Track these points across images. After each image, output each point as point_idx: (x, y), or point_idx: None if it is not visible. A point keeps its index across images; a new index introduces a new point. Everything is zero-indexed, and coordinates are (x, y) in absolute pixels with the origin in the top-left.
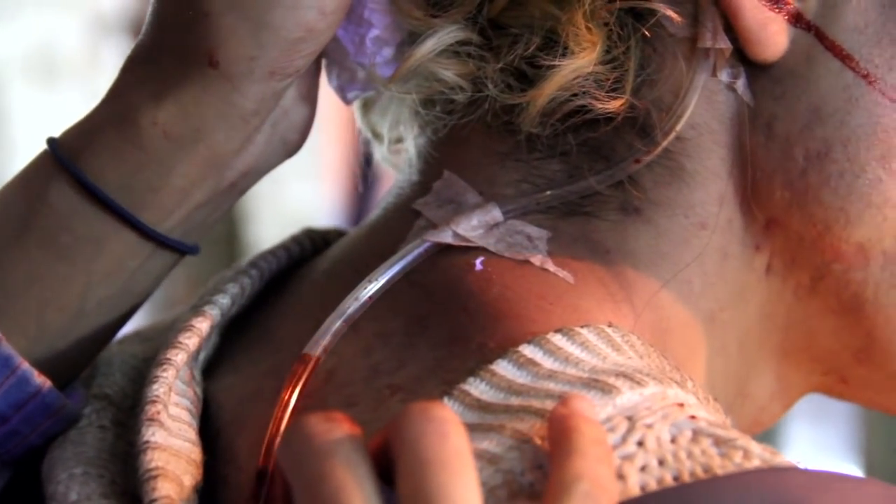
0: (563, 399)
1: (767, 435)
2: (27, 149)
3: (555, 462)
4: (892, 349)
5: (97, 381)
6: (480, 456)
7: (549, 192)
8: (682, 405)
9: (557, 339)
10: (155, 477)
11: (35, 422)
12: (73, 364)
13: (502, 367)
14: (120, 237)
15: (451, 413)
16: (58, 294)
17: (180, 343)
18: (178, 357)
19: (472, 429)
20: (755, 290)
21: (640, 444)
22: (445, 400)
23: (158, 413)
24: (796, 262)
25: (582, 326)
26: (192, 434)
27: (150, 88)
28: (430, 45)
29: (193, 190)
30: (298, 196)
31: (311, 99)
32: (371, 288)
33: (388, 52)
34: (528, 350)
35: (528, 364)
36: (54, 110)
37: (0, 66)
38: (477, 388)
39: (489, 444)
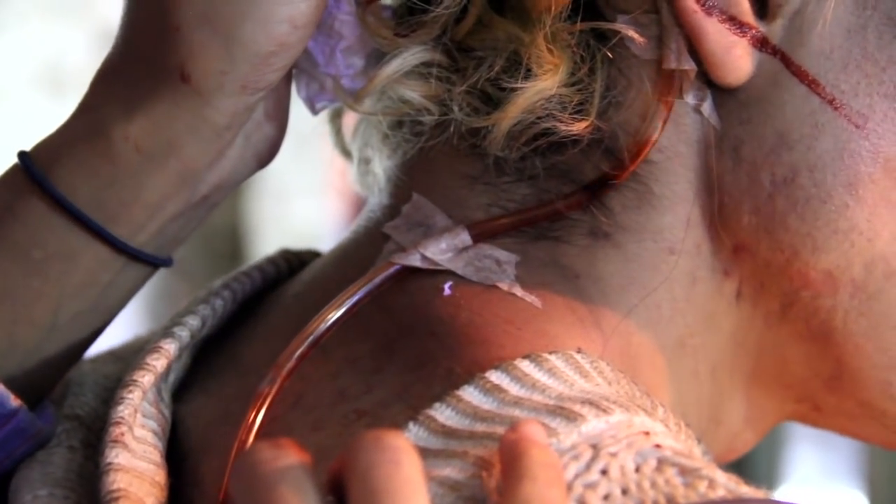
0: (513, 424)
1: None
2: None
3: (505, 487)
4: (861, 377)
5: (68, 402)
6: (443, 482)
7: (517, 216)
8: (647, 433)
9: (525, 366)
10: (116, 499)
11: (9, 446)
12: (45, 379)
13: (468, 393)
14: (92, 251)
15: (404, 441)
16: (30, 309)
17: (147, 364)
18: (145, 378)
19: (436, 455)
20: (725, 315)
21: (604, 472)
22: (410, 425)
23: (122, 434)
24: (765, 288)
25: (550, 352)
26: (157, 456)
27: (122, 103)
28: (395, 66)
29: (166, 203)
30: (303, 212)
31: (282, 111)
32: (336, 312)
33: (357, 62)
34: (494, 376)
35: (494, 390)
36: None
37: (7, 78)
38: (443, 413)
39: (451, 471)
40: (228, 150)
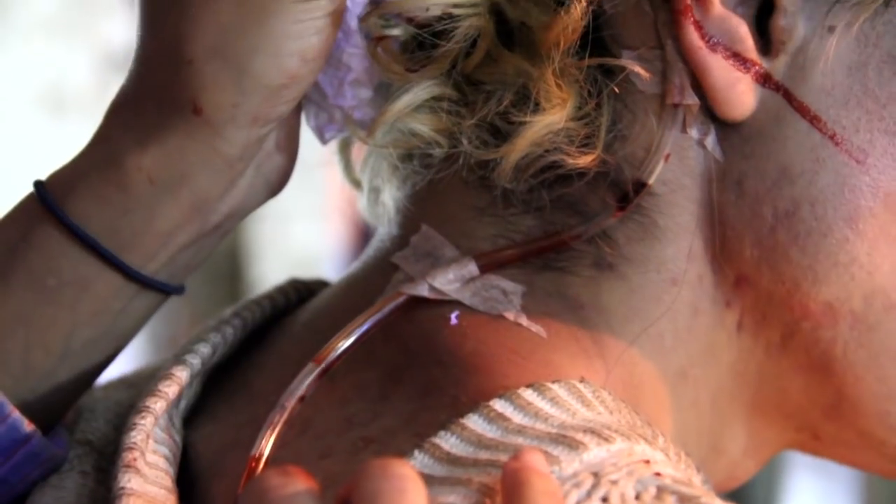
0: (515, 453)
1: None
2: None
3: None
4: (861, 407)
5: (80, 427)
6: None
7: (524, 247)
8: (648, 462)
9: (528, 395)
10: None
11: (23, 471)
12: (57, 405)
13: (473, 422)
14: (105, 279)
15: (410, 470)
16: (43, 335)
17: (160, 391)
18: (157, 405)
19: (441, 482)
20: (726, 346)
21: (605, 499)
22: (416, 453)
23: (135, 460)
24: (766, 320)
25: (553, 382)
26: (169, 481)
27: (135, 134)
28: (405, 101)
29: (178, 233)
30: (303, 235)
31: (292, 142)
32: (346, 341)
33: (365, 93)
34: (498, 405)
35: (498, 419)
36: (63, 144)
37: (9, 97)
38: (447, 441)
39: (456, 498)
40: (239, 180)
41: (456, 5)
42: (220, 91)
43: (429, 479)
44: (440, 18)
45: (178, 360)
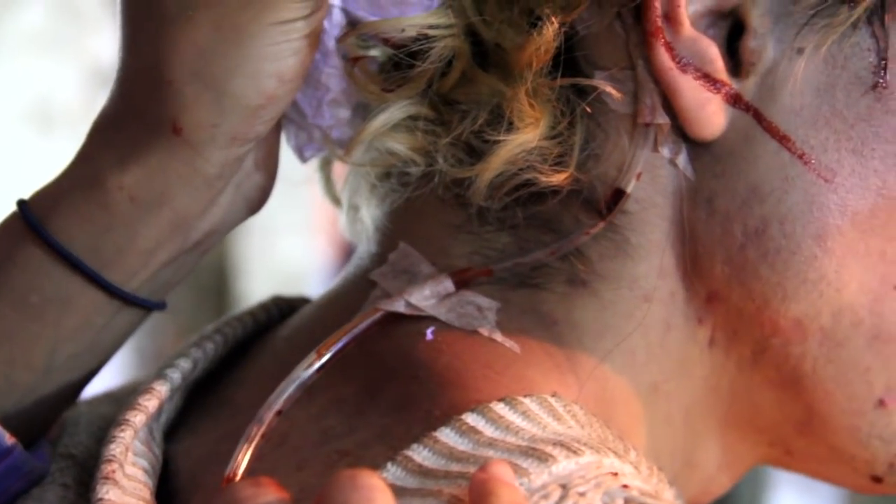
0: (483, 465)
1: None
2: (23, 197)
3: None
4: (831, 422)
5: (63, 441)
6: None
7: (498, 265)
8: (616, 474)
9: (500, 408)
10: None
11: (4, 483)
12: (40, 420)
13: (445, 435)
14: (88, 296)
15: (378, 480)
16: (26, 352)
17: (139, 405)
18: (137, 418)
19: (412, 494)
20: (699, 362)
21: None
22: (389, 465)
23: (114, 472)
24: (738, 336)
25: (525, 396)
26: (147, 493)
27: (117, 153)
28: (382, 120)
29: (159, 250)
30: (289, 250)
31: (272, 161)
32: (324, 356)
33: (344, 113)
34: (470, 418)
35: (469, 432)
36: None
37: None
38: (420, 454)
39: None
40: (219, 199)
41: (431, 26)
42: (199, 111)
43: (400, 491)
44: (416, 39)
45: (159, 374)
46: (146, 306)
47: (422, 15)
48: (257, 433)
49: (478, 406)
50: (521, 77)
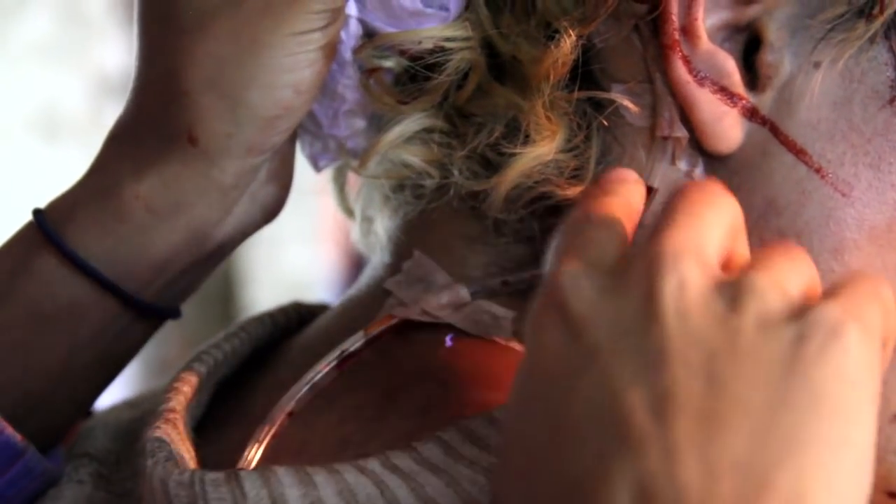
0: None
1: None
2: (28, 205)
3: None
4: None
5: (78, 444)
6: (466, 501)
7: (513, 276)
8: None
9: None
10: (160, 437)
11: (19, 485)
12: (55, 428)
13: (501, 415)
14: (103, 306)
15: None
16: (42, 360)
17: (175, 388)
18: (179, 397)
19: (468, 460)
20: None
21: None
22: (449, 428)
23: (175, 418)
24: None
25: None
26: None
27: (132, 163)
28: (397, 132)
29: (175, 260)
30: (295, 259)
31: (287, 170)
32: (336, 359)
33: (359, 123)
34: None
35: None
36: (56, 168)
37: (2, 122)
38: (476, 425)
39: (477, 490)
40: (235, 208)
41: (448, 39)
42: (215, 122)
43: (457, 456)
44: (432, 51)
45: (187, 367)
46: (161, 315)
47: (439, 27)
48: (268, 434)
49: None
50: (538, 90)
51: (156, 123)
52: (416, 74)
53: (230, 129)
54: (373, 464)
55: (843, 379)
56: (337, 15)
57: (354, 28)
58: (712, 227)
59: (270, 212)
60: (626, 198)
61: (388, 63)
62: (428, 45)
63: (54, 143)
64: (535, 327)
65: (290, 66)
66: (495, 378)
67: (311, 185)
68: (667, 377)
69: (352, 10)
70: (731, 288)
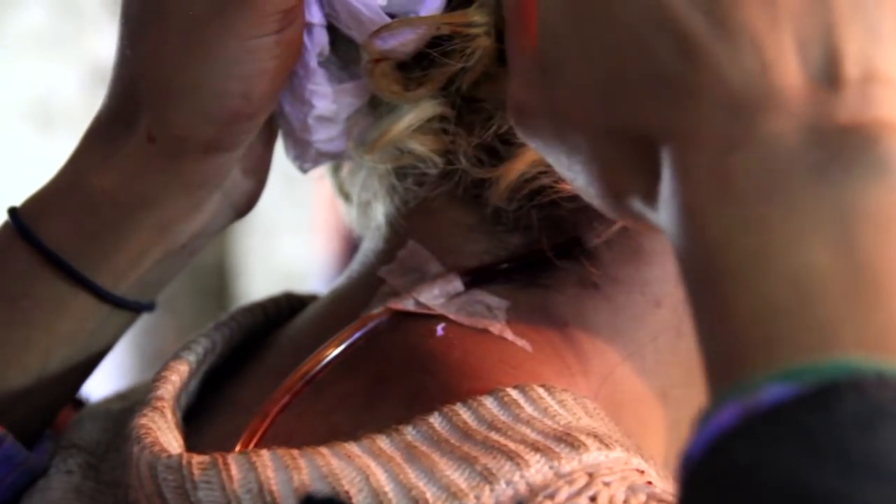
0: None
1: None
2: (23, 196)
3: None
4: None
5: (66, 435)
6: (448, 487)
7: (508, 264)
8: (643, 472)
9: (540, 391)
10: (144, 426)
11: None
12: (36, 422)
13: (489, 402)
14: (78, 300)
15: None
16: (21, 355)
17: (163, 377)
18: (167, 386)
19: (452, 449)
20: None
21: (593, 499)
22: (436, 415)
23: (164, 407)
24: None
25: (562, 389)
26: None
27: (100, 156)
28: (407, 121)
29: (146, 253)
30: (289, 250)
31: (262, 167)
32: (331, 352)
33: (333, 130)
34: (513, 393)
35: (512, 404)
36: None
37: None
38: (465, 412)
39: (458, 476)
40: (204, 205)
41: (467, 24)
42: (168, 124)
43: (444, 442)
44: (448, 37)
45: (176, 356)
46: (136, 308)
47: (459, 13)
48: (261, 428)
49: (519, 384)
50: None
51: (123, 120)
52: (421, 61)
53: (184, 130)
54: (358, 448)
55: None
56: (290, 18)
57: (320, 36)
58: None
59: (243, 208)
60: None
61: (405, 48)
62: (445, 30)
63: (49, 133)
64: None
65: (239, 74)
66: (486, 369)
67: (305, 176)
68: None
69: (315, 17)
70: None
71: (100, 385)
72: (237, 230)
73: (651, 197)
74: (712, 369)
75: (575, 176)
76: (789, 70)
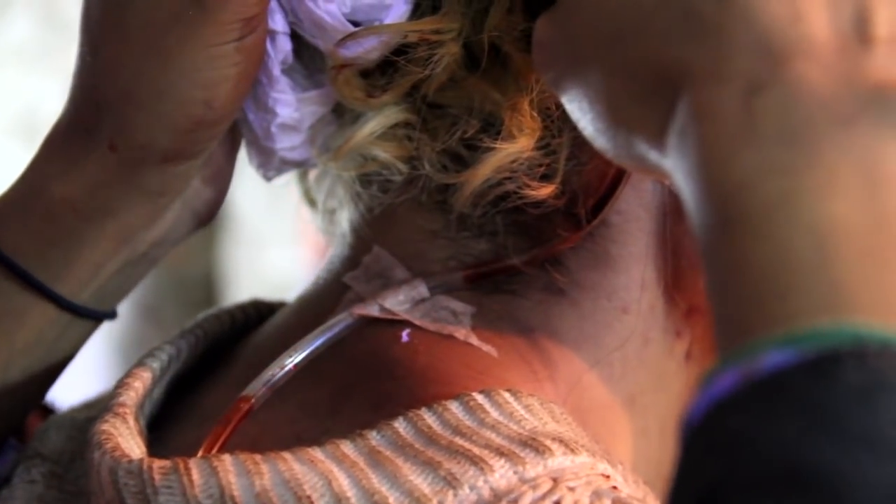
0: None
1: None
2: None
3: None
4: None
5: (31, 445)
6: (411, 492)
7: (473, 270)
8: (608, 477)
9: (506, 396)
10: (105, 432)
11: None
12: None
13: (454, 406)
14: (39, 310)
15: None
16: None
17: (126, 384)
18: (130, 392)
19: (416, 454)
20: (675, 375)
21: (557, 503)
22: (400, 420)
23: (125, 413)
24: (714, 349)
25: (529, 394)
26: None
27: (61, 165)
28: (370, 127)
29: (106, 262)
30: (277, 261)
31: (223, 176)
32: (294, 357)
33: (297, 138)
34: (479, 397)
35: (477, 409)
36: None
37: None
38: (430, 417)
39: (422, 481)
40: (165, 213)
41: (435, 31)
42: (130, 132)
43: (408, 447)
44: (413, 44)
45: (140, 363)
46: (96, 317)
47: (427, 20)
48: (222, 434)
49: (485, 388)
50: (526, 87)
51: (84, 128)
52: (384, 68)
53: (145, 139)
54: (321, 453)
55: None
56: (252, 25)
57: (283, 43)
58: None
59: (204, 217)
60: None
61: (370, 55)
62: (413, 38)
63: (34, 146)
64: None
65: (202, 82)
66: (452, 374)
67: (290, 186)
68: None
69: (279, 25)
70: None
71: (84, 398)
72: (224, 241)
73: (658, 138)
74: (722, 329)
75: (582, 113)
76: (821, 22)
